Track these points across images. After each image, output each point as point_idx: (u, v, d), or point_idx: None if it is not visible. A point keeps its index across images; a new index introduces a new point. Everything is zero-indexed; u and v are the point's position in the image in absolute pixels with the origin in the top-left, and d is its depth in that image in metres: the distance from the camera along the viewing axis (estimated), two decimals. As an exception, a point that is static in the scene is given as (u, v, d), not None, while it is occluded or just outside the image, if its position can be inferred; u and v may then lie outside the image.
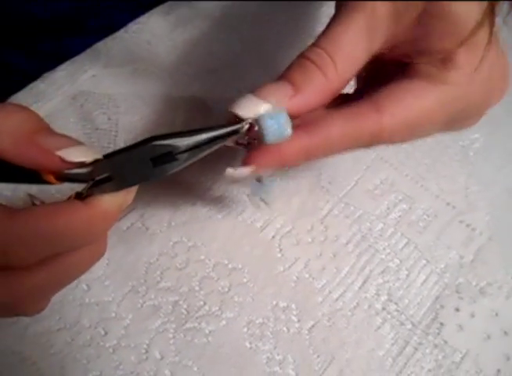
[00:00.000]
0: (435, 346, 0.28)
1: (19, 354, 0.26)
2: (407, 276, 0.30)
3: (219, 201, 0.32)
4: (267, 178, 0.25)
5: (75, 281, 0.28)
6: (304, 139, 0.21)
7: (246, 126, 0.20)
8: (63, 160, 0.18)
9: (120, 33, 0.40)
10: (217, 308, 0.28)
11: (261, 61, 0.39)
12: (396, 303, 0.29)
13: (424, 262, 0.30)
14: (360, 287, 0.29)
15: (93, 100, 0.35)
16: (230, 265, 0.29)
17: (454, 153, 0.35)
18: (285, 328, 0.28)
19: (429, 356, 0.27)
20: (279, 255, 0.30)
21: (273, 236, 0.31)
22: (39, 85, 0.35)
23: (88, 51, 0.38)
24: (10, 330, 0.26)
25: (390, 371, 0.27)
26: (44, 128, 0.18)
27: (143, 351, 0.26)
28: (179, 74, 0.38)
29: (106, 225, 0.19)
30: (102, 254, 0.20)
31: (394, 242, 0.31)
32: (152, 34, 0.40)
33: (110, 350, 0.26)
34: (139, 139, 0.19)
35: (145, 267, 0.29)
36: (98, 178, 0.18)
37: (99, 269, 0.29)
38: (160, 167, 0.19)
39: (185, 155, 0.19)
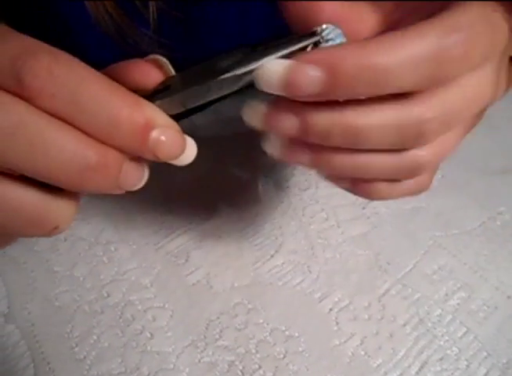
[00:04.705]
0: None
1: (79, 393, 0.27)
2: (467, 366, 0.29)
3: (281, 268, 0.33)
4: None
5: (140, 328, 0.30)
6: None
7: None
8: None
9: None
10: (271, 374, 0.28)
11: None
12: (455, 394, 0.28)
13: (485, 354, 0.30)
14: (417, 372, 0.29)
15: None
16: (287, 332, 0.30)
17: (514, 248, 0.35)
18: (338, 404, 0.27)
19: None
20: (336, 328, 0.30)
21: (330, 309, 0.31)
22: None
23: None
24: (74, 368, 0.28)
25: None
26: None
27: (196, 407, 0.26)
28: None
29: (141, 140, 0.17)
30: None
31: (453, 329, 0.31)
32: None
33: (165, 401, 0.27)
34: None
35: (206, 323, 0.30)
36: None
37: (163, 319, 0.30)
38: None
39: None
